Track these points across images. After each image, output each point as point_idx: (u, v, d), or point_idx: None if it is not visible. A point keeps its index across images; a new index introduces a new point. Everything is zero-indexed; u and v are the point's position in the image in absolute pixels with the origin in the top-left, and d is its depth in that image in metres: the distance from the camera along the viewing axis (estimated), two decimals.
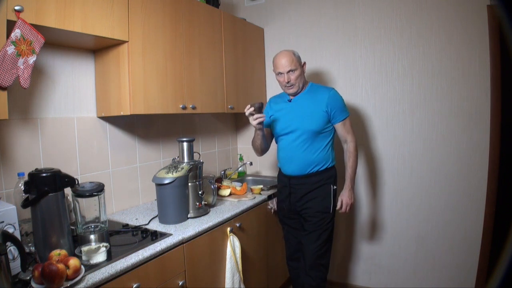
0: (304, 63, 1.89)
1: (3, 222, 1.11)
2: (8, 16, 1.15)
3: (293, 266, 2.05)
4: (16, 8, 1.16)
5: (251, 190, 2.26)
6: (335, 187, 1.87)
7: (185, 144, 1.79)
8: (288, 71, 1.79)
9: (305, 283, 1.88)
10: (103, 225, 1.41)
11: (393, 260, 2.42)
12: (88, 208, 1.39)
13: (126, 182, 1.97)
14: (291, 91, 1.86)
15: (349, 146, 1.88)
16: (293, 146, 1.87)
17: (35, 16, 1.23)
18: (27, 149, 1.49)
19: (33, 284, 1.04)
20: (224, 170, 2.65)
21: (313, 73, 2.59)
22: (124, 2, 1.57)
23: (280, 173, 2.02)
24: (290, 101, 1.91)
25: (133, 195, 2.01)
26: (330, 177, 1.87)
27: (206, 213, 1.82)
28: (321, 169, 1.85)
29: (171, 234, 1.51)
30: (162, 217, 1.70)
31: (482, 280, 2.09)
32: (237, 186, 2.28)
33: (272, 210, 2.24)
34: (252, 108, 1.72)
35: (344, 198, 1.84)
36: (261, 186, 2.30)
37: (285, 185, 1.96)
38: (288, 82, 1.81)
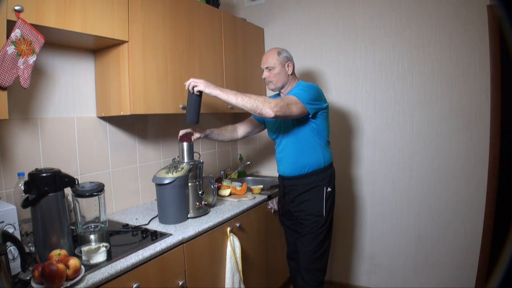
0: (289, 63, 1.86)
1: (3, 222, 1.12)
2: (8, 16, 1.15)
3: (292, 266, 2.05)
4: (16, 8, 1.16)
5: (251, 190, 2.26)
6: (329, 189, 1.81)
7: (185, 144, 1.79)
8: (266, 68, 1.87)
9: (299, 287, 1.89)
10: (103, 225, 1.41)
11: (393, 260, 2.42)
12: (88, 208, 1.39)
13: (126, 182, 1.97)
14: (269, 87, 1.93)
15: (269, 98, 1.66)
16: (281, 148, 1.89)
17: (35, 16, 1.23)
18: (27, 149, 1.49)
19: (33, 284, 1.04)
20: (224, 170, 2.65)
21: (313, 73, 2.59)
22: (124, 2, 1.57)
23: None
24: None
25: (133, 195, 2.01)
26: (323, 179, 1.81)
27: (206, 213, 1.82)
28: (311, 170, 1.80)
29: (171, 234, 1.51)
30: (162, 217, 1.70)
31: (482, 280, 2.09)
32: (237, 186, 2.28)
33: (272, 210, 2.24)
34: None
35: (195, 78, 1.60)
36: (261, 186, 2.30)
37: (280, 185, 1.98)
38: (265, 78, 1.90)
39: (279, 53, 1.86)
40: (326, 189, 1.80)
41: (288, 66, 1.87)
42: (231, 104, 1.62)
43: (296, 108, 1.65)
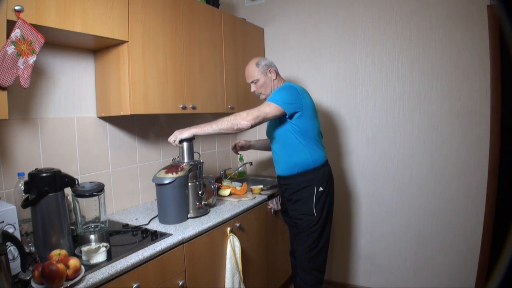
0: (270, 69, 1.90)
1: (3, 222, 1.11)
2: (8, 16, 1.15)
3: (293, 263, 2.07)
4: (16, 8, 1.16)
5: (251, 190, 2.26)
6: (321, 189, 1.81)
7: (185, 144, 1.79)
8: (251, 82, 1.93)
9: (297, 286, 1.91)
10: (103, 225, 1.41)
11: (393, 260, 2.42)
12: (88, 208, 1.39)
13: (126, 182, 1.97)
14: (261, 98, 1.98)
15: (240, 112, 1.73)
16: (273, 149, 1.95)
17: (35, 16, 1.23)
18: (27, 149, 1.49)
19: (33, 284, 1.04)
20: (224, 170, 2.65)
21: (313, 73, 2.59)
22: (124, 2, 1.57)
23: None
24: None
25: (133, 195, 2.01)
26: (314, 178, 1.81)
27: (206, 213, 1.82)
28: (301, 170, 1.82)
29: (171, 234, 1.51)
30: (162, 217, 1.70)
31: (482, 280, 2.09)
32: (237, 186, 2.28)
33: (272, 210, 2.24)
34: None
35: (177, 132, 1.73)
36: (261, 186, 2.30)
37: (278, 184, 2.04)
38: (254, 92, 1.96)
39: (257, 64, 1.91)
40: (318, 188, 1.81)
41: (270, 73, 1.92)
42: (209, 134, 1.74)
43: (269, 109, 1.71)
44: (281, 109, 1.72)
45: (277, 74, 1.95)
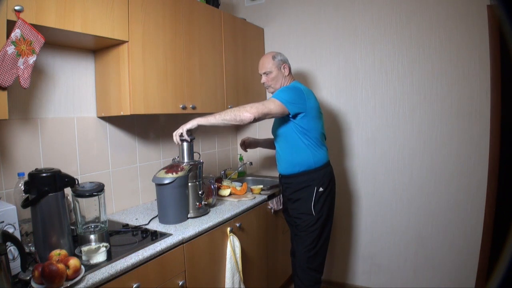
0: (285, 65, 1.92)
1: (3, 222, 1.11)
2: (8, 16, 1.15)
3: (293, 262, 2.07)
4: (16, 8, 1.16)
5: (251, 190, 2.26)
6: (321, 189, 1.81)
7: (185, 144, 1.79)
8: (264, 73, 1.94)
9: (296, 286, 1.92)
10: (103, 225, 1.41)
11: (393, 260, 2.42)
12: (88, 208, 1.39)
13: (126, 182, 1.97)
14: (268, 91, 2.01)
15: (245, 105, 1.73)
16: (277, 148, 1.96)
17: (35, 16, 1.23)
18: (27, 149, 1.49)
19: (33, 284, 1.04)
20: (224, 170, 2.65)
21: (313, 73, 2.59)
22: (124, 2, 1.57)
23: None
24: None
25: (133, 195, 2.01)
26: (315, 179, 1.82)
27: (206, 213, 1.82)
28: (302, 170, 1.83)
29: (171, 234, 1.51)
30: (162, 217, 1.70)
31: (482, 280, 2.09)
32: (237, 186, 2.28)
33: (272, 210, 2.24)
34: None
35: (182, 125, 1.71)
36: (261, 186, 2.30)
37: (279, 183, 2.06)
38: (264, 83, 1.97)
39: (274, 57, 1.92)
40: (318, 189, 1.82)
41: (284, 68, 1.93)
42: (214, 125, 1.71)
43: (274, 106, 1.72)
44: (285, 107, 1.73)
45: (290, 71, 1.97)
